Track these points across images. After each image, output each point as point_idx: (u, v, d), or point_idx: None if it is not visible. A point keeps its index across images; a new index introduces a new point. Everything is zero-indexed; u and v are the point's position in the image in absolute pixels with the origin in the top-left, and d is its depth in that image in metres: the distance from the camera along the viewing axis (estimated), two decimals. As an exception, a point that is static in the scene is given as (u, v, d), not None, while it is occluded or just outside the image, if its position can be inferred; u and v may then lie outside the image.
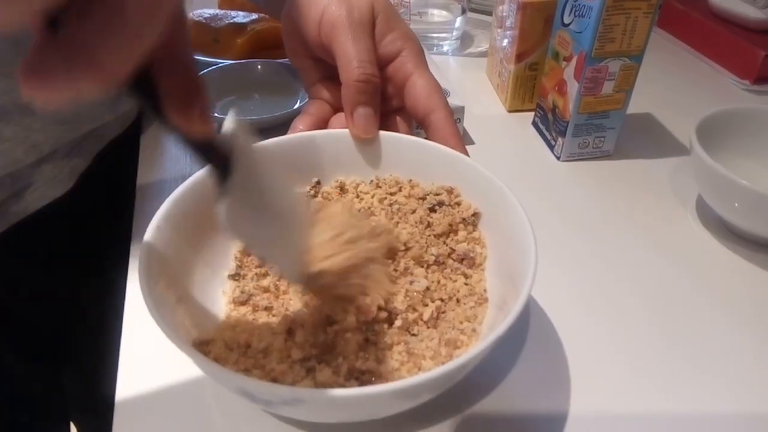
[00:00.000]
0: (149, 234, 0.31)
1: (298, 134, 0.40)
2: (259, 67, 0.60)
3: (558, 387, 0.35)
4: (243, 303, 0.34)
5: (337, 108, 0.43)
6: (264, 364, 0.29)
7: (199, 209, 0.34)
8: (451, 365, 0.25)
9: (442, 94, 0.40)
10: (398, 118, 0.42)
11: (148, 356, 0.35)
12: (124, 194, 0.48)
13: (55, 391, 0.59)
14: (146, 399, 0.34)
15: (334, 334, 0.30)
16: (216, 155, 0.24)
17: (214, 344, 0.29)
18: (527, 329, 0.38)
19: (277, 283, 0.35)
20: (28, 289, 0.53)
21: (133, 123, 0.56)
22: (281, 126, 0.54)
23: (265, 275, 0.36)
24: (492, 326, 0.31)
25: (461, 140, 0.39)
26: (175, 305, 0.30)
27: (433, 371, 0.24)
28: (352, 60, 0.38)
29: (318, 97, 0.44)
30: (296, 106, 0.55)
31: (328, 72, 0.43)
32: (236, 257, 0.36)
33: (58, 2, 0.15)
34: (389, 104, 0.42)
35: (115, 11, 0.16)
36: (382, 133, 0.40)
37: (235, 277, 0.35)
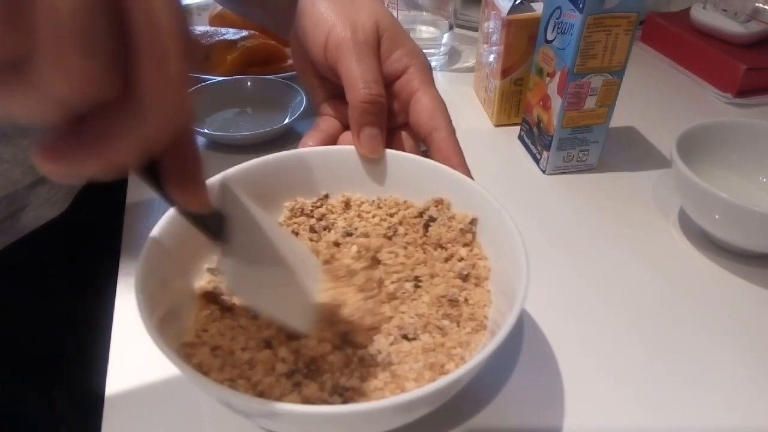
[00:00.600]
0: (152, 236, 0.31)
1: (310, 148, 0.41)
2: (249, 83, 0.61)
3: (545, 400, 0.36)
4: (213, 300, 0.34)
5: (346, 124, 0.43)
6: (250, 376, 0.29)
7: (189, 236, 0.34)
8: (428, 389, 0.25)
9: (446, 112, 0.41)
10: (404, 134, 0.43)
11: (136, 374, 0.36)
12: (113, 212, 0.49)
13: (45, 409, 0.59)
14: (135, 416, 0.34)
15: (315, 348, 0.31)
16: (213, 223, 0.26)
17: (198, 348, 0.30)
18: (521, 341, 0.39)
19: None
20: (17, 306, 0.53)
21: None
22: (272, 141, 0.55)
23: None
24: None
25: (463, 159, 0.40)
26: (168, 308, 0.30)
27: (407, 394, 0.25)
28: (357, 81, 0.38)
29: (327, 114, 0.44)
30: (286, 122, 0.56)
31: (336, 90, 0.43)
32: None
33: (85, 105, 0.17)
34: (395, 120, 0.42)
35: (134, 114, 0.18)
36: (389, 152, 0.40)
37: (213, 271, 0.35)
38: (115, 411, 0.34)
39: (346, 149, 0.41)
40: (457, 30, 0.76)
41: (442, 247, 0.37)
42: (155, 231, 0.31)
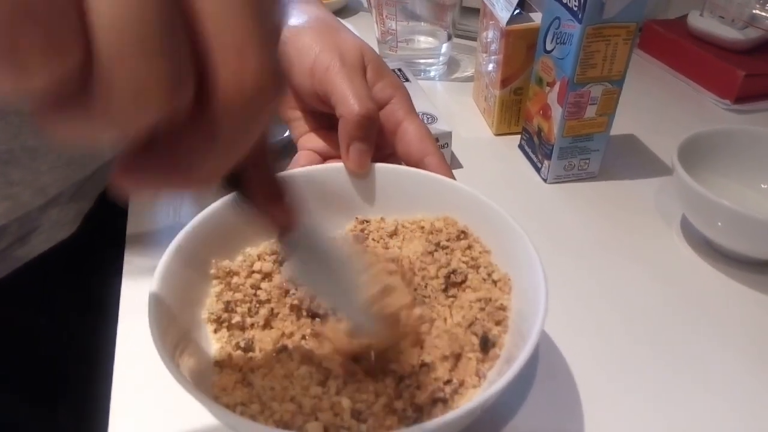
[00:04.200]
0: (164, 261, 0.31)
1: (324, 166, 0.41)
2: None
3: (557, 408, 0.35)
4: (221, 322, 0.34)
5: (326, 157, 0.43)
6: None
7: (212, 240, 0.35)
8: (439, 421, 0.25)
9: (433, 139, 0.41)
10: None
11: (139, 396, 0.36)
12: (119, 231, 0.48)
13: (49, 429, 0.58)
14: (139, 432, 0.34)
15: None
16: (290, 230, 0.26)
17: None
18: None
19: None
20: (22, 326, 0.52)
21: None
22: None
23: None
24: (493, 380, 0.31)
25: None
26: (179, 341, 0.30)
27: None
28: (349, 96, 0.39)
29: (307, 149, 0.44)
30: (285, 135, 0.56)
31: (318, 122, 0.44)
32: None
33: (164, 122, 0.15)
34: (382, 150, 0.42)
35: (215, 131, 0.16)
36: (414, 171, 0.40)
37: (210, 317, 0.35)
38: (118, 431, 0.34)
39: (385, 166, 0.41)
40: (455, 40, 0.76)
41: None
42: (155, 285, 0.31)
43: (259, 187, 0.22)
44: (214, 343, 0.34)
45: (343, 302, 0.30)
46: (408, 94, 0.43)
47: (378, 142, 0.40)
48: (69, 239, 0.50)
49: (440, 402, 0.30)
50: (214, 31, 0.15)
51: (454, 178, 0.40)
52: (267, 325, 0.35)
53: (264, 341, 0.34)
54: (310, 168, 0.41)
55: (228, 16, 0.15)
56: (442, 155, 0.41)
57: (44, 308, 0.54)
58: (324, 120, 0.41)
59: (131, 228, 0.48)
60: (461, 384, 0.31)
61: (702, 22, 0.75)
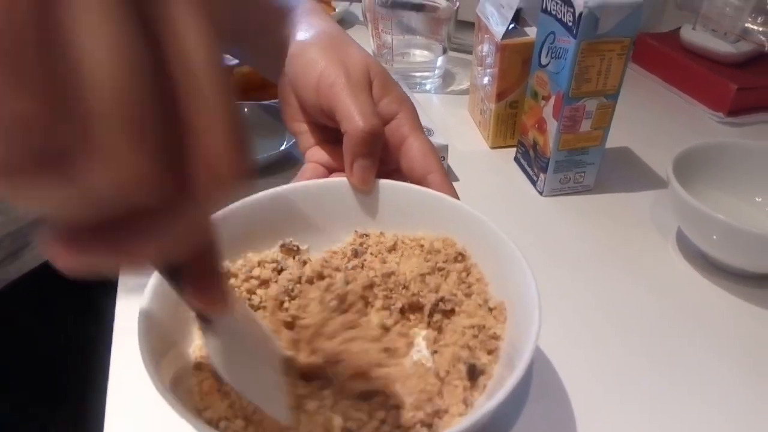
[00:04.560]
0: (145, 300, 0.30)
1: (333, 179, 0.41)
2: (245, 109, 0.61)
3: (552, 419, 0.35)
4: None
5: (332, 170, 0.43)
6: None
7: None
8: None
9: (438, 156, 0.41)
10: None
11: (135, 398, 0.35)
12: None
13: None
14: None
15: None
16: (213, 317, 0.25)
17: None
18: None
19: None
20: (18, 334, 0.52)
21: None
22: (269, 167, 0.55)
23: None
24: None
25: (457, 198, 0.40)
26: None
27: None
28: (354, 113, 0.38)
29: (314, 161, 0.44)
30: (282, 147, 0.56)
31: (324, 136, 0.44)
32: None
33: (131, 204, 0.15)
34: (386, 166, 0.42)
35: (173, 214, 0.16)
36: (396, 184, 0.40)
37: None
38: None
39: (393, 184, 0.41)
40: (451, 53, 0.77)
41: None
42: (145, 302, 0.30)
43: (196, 272, 0.21)
44: (198, 342, 0.33)
45: (251, 389, 0.29)
46: (414, 109, 0.43)
47: (382, 157, 0.41)
48: None
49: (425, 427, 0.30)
50: (199, 124, 0.15)
51: (456, 195, 0.40)
52: None
53: None
54: (311, 182, 0.41)
55: (213, 96, 0.16)
56: (445, 172, 0.41)
57: (42, 311, 0.54)
58: (330, 133, 0.41)
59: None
60: (446, 411, 0.31)
61: (695, 36, 0.76)
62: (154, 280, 0.31)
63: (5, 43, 0.12)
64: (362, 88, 0.40)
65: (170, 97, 0.15)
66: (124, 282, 0.43)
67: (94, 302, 0.52)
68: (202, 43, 0.15)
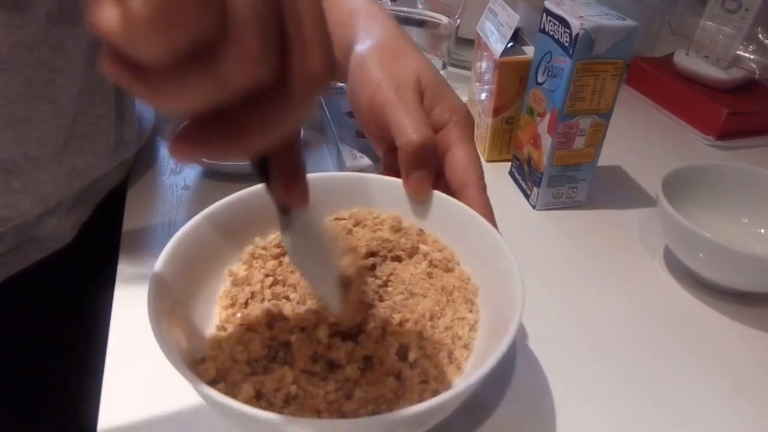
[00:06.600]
0: (160, 262, 0.32)
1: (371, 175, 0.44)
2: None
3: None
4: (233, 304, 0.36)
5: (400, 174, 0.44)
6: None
7: (206, 245, 0.36)
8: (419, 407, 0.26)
9: (480, 168, 0.42)
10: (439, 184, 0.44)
11: (129, 401, 0.36)
12: (113, 244, 0.49)
13: None
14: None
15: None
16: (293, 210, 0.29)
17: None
18: (512, 369, 0.39)
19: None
20: (11, 336, 0.52)
21: (127, 174, 0.57)
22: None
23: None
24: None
25: (491, 214, 0.41)
26: (177, 330, 0.31)
27: (388, 414, 0.26)
28: (406, 127, 0.40)
29: (384, 166, 0.46)
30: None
31: (392, 143, 0.44)
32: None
33: (248, 92, 0.19)
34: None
35: (282, 104, 0.20)
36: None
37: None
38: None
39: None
40: (450, 69, 0.78)
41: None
42: (158, 263, 0.32)
43: (284, 167, 0.25)
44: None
45: (320, 282, 0.33)
46: (467, 117, 0.43)
47: None
48: (65, 250, 0.50)
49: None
50: (300, 27, 0.20)
51: (491, 212, 0.40)
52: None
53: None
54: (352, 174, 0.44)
55: (310, 17, 0.20)
56: (481, 186, 0.41)
57: (37, 318, 0.54)
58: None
59: (125, 240, 0.48)
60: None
61: (688, 61, 0.78)
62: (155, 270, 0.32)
63: None
64: (413, 102, 0.41)
65: (281, 14, 0.19)
66: (121, 286, 0.43)
67: (91, 307, 0.52)
68: None
